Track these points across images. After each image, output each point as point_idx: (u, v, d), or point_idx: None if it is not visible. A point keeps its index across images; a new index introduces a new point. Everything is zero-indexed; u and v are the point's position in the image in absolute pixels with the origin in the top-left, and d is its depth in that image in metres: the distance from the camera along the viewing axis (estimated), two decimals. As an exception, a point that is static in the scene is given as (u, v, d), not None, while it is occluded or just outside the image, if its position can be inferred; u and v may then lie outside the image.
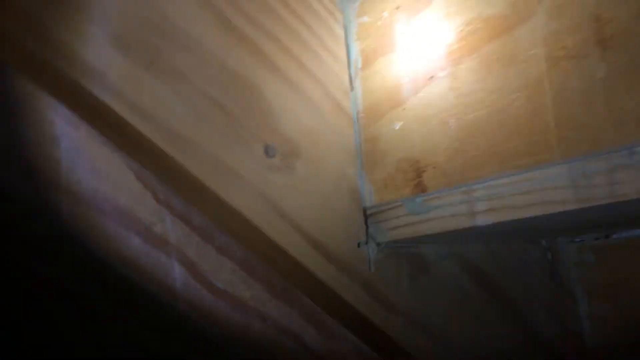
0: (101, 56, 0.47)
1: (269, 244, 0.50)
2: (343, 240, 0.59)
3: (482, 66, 0.51)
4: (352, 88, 0.63)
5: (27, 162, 0.33)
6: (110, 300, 0.36)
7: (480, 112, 0.50)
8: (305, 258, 0.55)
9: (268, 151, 0.55)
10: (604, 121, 0.42)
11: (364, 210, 0.61)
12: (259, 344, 0.43)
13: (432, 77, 0.55)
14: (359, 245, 0.60)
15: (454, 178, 0.53)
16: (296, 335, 0.45)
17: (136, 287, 0.37)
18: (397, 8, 0.59)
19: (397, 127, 0.58)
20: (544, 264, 0.76)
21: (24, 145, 0.33)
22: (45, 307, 0.34)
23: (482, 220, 0.51)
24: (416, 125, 0.56)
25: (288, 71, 0.58)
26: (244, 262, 0.43)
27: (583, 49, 0.43)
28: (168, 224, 0.39)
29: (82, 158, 0.36)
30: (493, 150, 0.49)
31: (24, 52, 0.39)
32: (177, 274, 0.39)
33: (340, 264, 0.57)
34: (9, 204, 0.32)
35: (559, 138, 0.45)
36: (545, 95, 0.46)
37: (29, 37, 0.42)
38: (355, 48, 0.63)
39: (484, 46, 0.50)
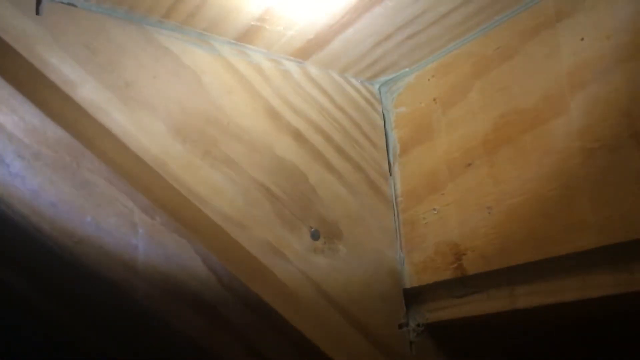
0: (162, 146, 0.51)
1: (313, 322, 0.52)
2: (383, 321, 0.60)
3: (518, 155, 0.53)
4: (390, 173, 0.66)
5: (110, 247, 0.36)
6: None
7: (518, 199, 0.53)
8: (347, 339, 0.56)
9: (312, 234, 0.58)
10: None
11: (404, 291, 0.63)
12: None
13: (469, 164, 0.58)
14: (400, 326, 0.61)
15: (494, 262, 0.54)
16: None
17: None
18: (434, 100, 0.62)
19: (436, 212, 0.60)
20: None
21: (108, 233, 0.36)
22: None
23: (522, 304, 0.52)
24: (455, 210, 0.59)
25: (330, 158, 0.62)
26: (297, 341, 0.45)
27: (617, 142, 0.46)
28: (230, 307, 0.41)
29: (157, 245, 0.39)
30: (531, 236, 0.51)
31: (100, 144, 0.43)
32: (237, 354, 0.41)
33: (380, 345, 0.58)
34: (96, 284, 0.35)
35: (596, 225, 0.46)
36: (581, 184, 0.48)
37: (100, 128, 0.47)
38: (394, 136, 0.67)
39: (519, 136, 0.53)
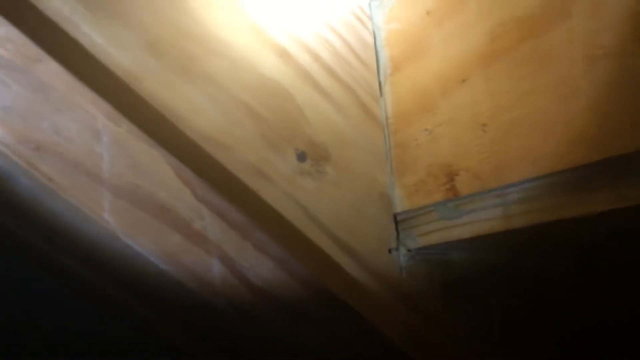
0: (136, 61, 0.47)
1: (302, 245, 0.50)
2: (374, 246, 0.58)
3: (515, 67, 0.50)
4: (381, 94, 0.63)
5: (72, 156, 0.33)
6: (151, 297, 0.36)
7: (514, 114, 0.50)
8: (335, 262, 0.54)
9: (299, 156, 0.55)
10: (644, 119, 0.41)
11: (395, 216, 0.61)
12: (304, 344, 0.42)
13: (464, 80, 0.54)
14: (390, 251, 0.59)
15: (488, 181, 0.52)
16: (332, 331, 0.45)
17: (177, 283, 0.37)
18: (428, 13, 0.58)
19: (428, 132, 0.58)
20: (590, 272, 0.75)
21: (69, 140, 0.33)
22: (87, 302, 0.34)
23: (517, 223, 0.50)
24: (448, 129, 0.56)
25: (318, 77, 0.58)
26: (281, 261, 0.43)
27: (623, 47, 0.43)
28: (207, 221, 0.39)
29: (122, 153, 0.36)
30: (527, 152, 0.49)
31: (61, 52, 0.39)
32: (217, 271, 0.39)
33: (371, 268, 0.57)
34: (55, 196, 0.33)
35: (597, 138, 0.44)
36: (582, 94, 0.45)
37: (65, 38, 0.43)
38: (385, 54, 0.63)
39: (517, 47, 0.50)
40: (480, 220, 0.54)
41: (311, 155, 0.56)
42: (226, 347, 0.42)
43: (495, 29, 0.52)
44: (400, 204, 0.61)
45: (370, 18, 0.64)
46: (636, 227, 0.51)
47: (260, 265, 0.42)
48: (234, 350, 0.42)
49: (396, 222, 0.61)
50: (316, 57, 0.59)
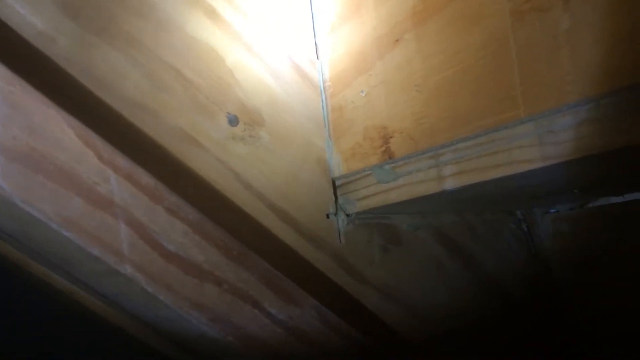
0: (50, 21, 0.45)
1: (231, 211, 0.49)
2: (311, 211, 0.58)
3: (446, 26, 0.49)
4: (317, 56, 0.61)
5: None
6: (51, 262, 0.34)
7: (446, 73, 0.49)
8: (270, 228, 0.53)
9: (230, 120, 0.53)
10: (569, 75, 0.41)
11: (333, 180, 0.60)
12: (215, 308, 0.41)
13: (398, 40, 0.53)
14: (327, 216, 0.59)
15: (422, 142, 0.51)
16: (254, 300, 0.44)
17: (79, 250, 0.36)
18: (361, -29, 0.57)
19: (364, 94, 0.57)
20: (519, 235, 0.76)
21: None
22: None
23: (450, 184, 0.50)
24: (383, 91, 0.55)
25: (250, 39, 0.56)
26: (197, 225, 0.42)
27: (547, 1, 0.42)
28: (113, 184, 0.37)
29: (16, 114, 0.34)
30: (459, 112, 0.48)
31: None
32: (124, 236, 0.37)
33: (308, 234, 0.56)
34: None
35: (524, 95, 0.44)
36: (510, 51, 0.44)
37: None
38: (320, 14, 0.62)
39: (448, 5, 0.49)
40: (415, 182, 0.53)
41: (244, 120, 0.55)
42: (137, 312, 0.41)
43: (426, -15, 0.50)
44: (338, 168, 0.60)
45: (305, -23, 0.62)
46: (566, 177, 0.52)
47: (174, 230, 0.40)
48: (141, 314, 0.41)
49: (334, 187, 0.60)
50: (247, 17, 0.57)
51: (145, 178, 0.39)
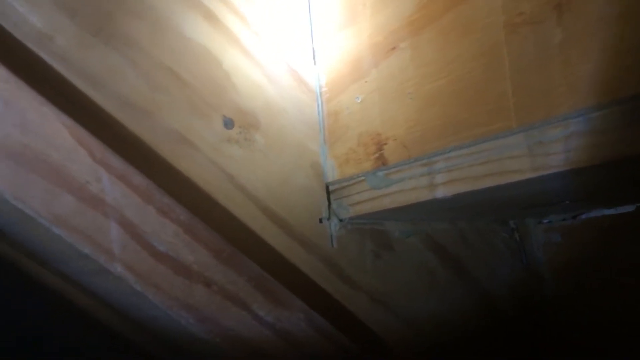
0: (48, 19, 0.45)
1: (224, 213, 0.49)
2: (304, 216, 0.58)
3: (441, 36, 0.50)
4: (314, 62, 0.62)
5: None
6: (42, 259, 0.34)
7: (438, 82, 0.49)
8: (262, 231, 0.53)
9: (225, 123, 0.54)
10: (560, 87, 0.41)
11: (327, 185, 0.60)
12: (203, 309, 0.42)
13: (393, 48, 0.54)
14: (320, 220, 0.59)
15: (414, 150, 0.52)
16: (243, 302, 0.44)
17: (69, 247, 0.36)
18: (359, -21, 0.57)
19: (359, 100, 0.57)
20: (511, 245, 0.76)
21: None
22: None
23: (441, 193, 0.50)
24: (377, 98, 0.55)
25: (247, 43, 0.57)
26: (187, 226, 0.42)
27: (540, 14, 0.43)
28: (105, 183, 0.38)
29: (10, 111, 0.35)
30: (451, 121, 0.49)
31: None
32: (115, 235, 0.38)
33: (301, 238, 0.56)
34: None
35: (515, 106, 0.44)
36: (502, 62, 0.45)
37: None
38: (318, 21, 0.62)
39: (443, 15, 0.49)
40: (407, 190, 0.54)
41: (239, 123, 0.55)
42: (125, 310, 0.41)
43: (423, -5, 0.51)
44: (332, 173, 0.60)
45: (304, -17, 0.63)
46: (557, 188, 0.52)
47: (164, 230, 0.40)
48: (129, 313, 0.41)
49: (328, 192, 0.61)
50: (244, 21, 0.57)
51: (138, 178, 0.40)
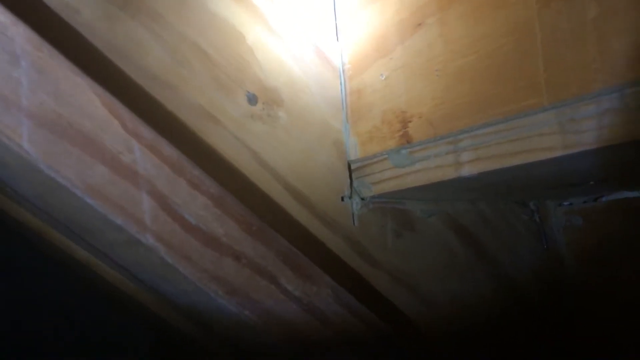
0: (74, -9, 0.45)
1: (248, 188, 0.49)
2: (326, 193, 0.58)
3: (471, 11, 0.49)
4: (338, 39, 0.61)
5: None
6: (71, 231, 0.34)
7: (468, 59, 0.49)
8: (288, 207, 0.53)
9: (249, 98, 0.53)
10: (594, 63, 0.41)
11: (349, 163, 0.60)
12: (232, 281, 0.42)
13: (420, 24, 0.53)
14: (342, 199, 0.59)
15: (440, 128, 0.51)
16: (272, 276, 0.44)
17: (102, 218, 0.36)
18: (386, -47, 0.56)
19: (384, 78, 0.56)
20: (531, 227, 0.75)
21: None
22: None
23: (467, 171, 0.50)
24: (403, 75, 0.55)
25: (271, 19, 0.56)
26: (218, 199, 0.42)
27: (574, -12, 0.42)
28: (137, 154, 0.38)
29: (44, 80, 0.34)
30: (479, 98, 0.48)
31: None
32: (147, 206, 0.38)
33: (322, 216, 0.56)
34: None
35: (547, 82, 0.43)
36: (534, 38, 0.44)
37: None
38: (342, -3, 0.61)
39: (473, -10, 0.49)
40: (432, 168, 0.53)
41: (262, 99, 0.55)
42: (155, 284, 0.41)
43: (452, -31, 0.50)
44: (355, 151, 0.60)
45: (328, -41, 0.62)
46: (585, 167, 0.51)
47: (195, 202, 0.40)
48: (159, 287, 0.41)
49: (350, 170, 0.60)
50: (270, -3, 0.56)
51: (168, 150, 0.40)
